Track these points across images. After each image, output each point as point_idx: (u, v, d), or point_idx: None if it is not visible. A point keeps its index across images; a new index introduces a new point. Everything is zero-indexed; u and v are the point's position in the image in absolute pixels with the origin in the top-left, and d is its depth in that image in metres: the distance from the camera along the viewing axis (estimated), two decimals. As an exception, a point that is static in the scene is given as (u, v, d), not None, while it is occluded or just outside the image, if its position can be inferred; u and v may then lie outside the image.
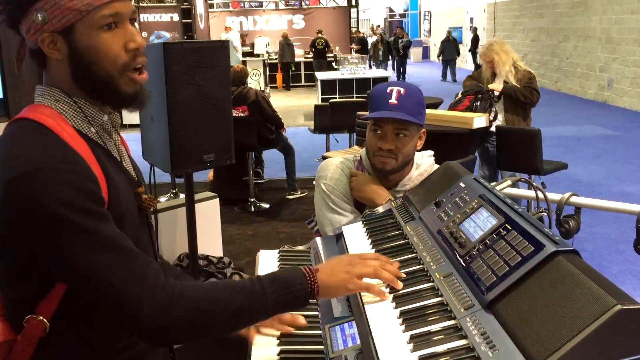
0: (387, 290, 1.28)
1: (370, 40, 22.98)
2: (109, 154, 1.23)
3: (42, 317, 1.13)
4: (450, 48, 19.35)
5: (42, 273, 1.11)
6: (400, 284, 1.27)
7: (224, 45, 3.08)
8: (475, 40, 21.29)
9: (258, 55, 16.62)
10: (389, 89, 1.86)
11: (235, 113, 5.63)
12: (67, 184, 1.07)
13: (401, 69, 19.82)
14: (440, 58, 20.02)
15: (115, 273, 1.08)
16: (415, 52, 27.12)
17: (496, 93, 4.74)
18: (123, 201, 1.18)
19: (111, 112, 1.26)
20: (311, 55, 17.64)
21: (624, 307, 0.87)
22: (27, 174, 1.06)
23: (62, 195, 1.06)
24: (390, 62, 21.58)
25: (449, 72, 19.48)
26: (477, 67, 18.76)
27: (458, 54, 19.67)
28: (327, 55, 17.27)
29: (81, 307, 1.14)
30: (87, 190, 1.09)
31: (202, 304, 1.14)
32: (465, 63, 23.41)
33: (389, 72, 15.06)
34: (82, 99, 1.20)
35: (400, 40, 19.80)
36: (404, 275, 1.30)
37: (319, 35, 17.45)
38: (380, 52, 20.42)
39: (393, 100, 1.84)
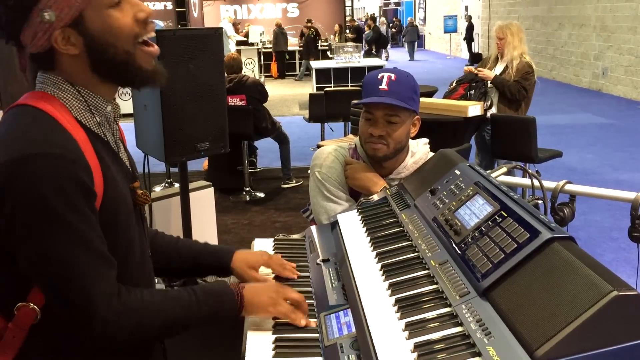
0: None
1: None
2: (107, 145, 1.21)
3: (33, 305, 1.13)
4: (412, 32, 23.13)
5: None
6: (303, 322, 1.30)
7: (217, 32, 3.05)
8: (470, 29, 21.28)
9: (252, 44, 16.52)
10: (379, 76, 1.86)
11: (232, 101, 5.60)
12: (59, 171, 1.06)
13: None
14: (404, 40, 24.02)
15: (81, 272, 1.09)
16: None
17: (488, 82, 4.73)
18: (119, 193, 1.18)
19: (113, 102, 1.25)
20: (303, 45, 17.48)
21: (620, 293, 0.87)
22: (25, 158, 1.05)
23: (51, 183, 1.05)
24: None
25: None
26: (472, 55, 18.77)
27: (418, 37, 24.00)
28: (318, 44, 17.08)
29: None
30: (79, 183, 1.08)
31: (146, 313, 1.17)
32: (458, 50, 23.37)
33: (384, 61, 14.96)
34: (87, 89, 1.18)
35: (365, 34, 18.08)
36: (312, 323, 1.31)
37: (309, 24, 17.33)
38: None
39: (383, 86, 1.84)
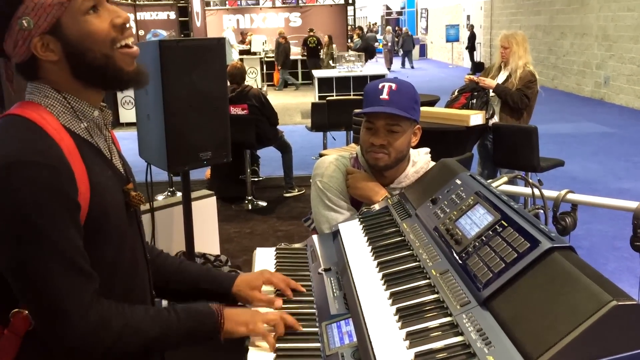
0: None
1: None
2: (97, 150, 1.22)
3: (27, 312, 1.13)
4: (408, 41, 23.69)
5: None
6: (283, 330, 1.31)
7: (220, 43, 3.07)
8: (472, 38, 21.35)
9: (255, 54, 16.57)
10: (380, 85, 1.87)
11: (234, 111, 5.63)
12: (41, 182, 1.07)
13: None
14: (401, 50, 24.32)
15: (55, 285, 1.09)
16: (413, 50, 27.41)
17: (490, 91, 4.74)
18: (108, 199, 1.19)
19: (102, 109, 1.26)
20: (305, 54, 17.53)
21: (619, 303, 0.87)
22: (5, 167, 1.06)
23: (31, 193, 1.06)
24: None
25: (407, 61, 24.28)
26: (474, 64, 18.85)
27: (413, 46, 24.60)
28: (320, 54, 17.10)
29: None
30: (59, 192, 1.08)
31: (125, 331, 1.16)
32: (460, 59, 23.43)
33: (386, 70, 15.02)
34: (73, 95, 1.19)
35: (354, 42, 17.79)
36: (301, 328, 1.33)
37: (311, 33, 17.39)
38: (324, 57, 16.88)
39: (384, 96, 1.85)
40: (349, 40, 19.07)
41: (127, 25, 1.20)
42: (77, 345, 1.11)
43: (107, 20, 1.17)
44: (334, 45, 17.22)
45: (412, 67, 23.49)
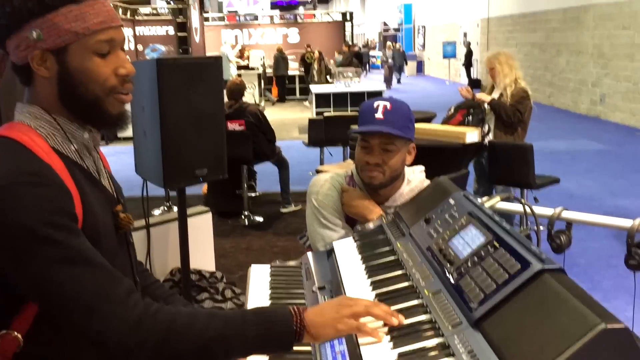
0: (385, 329, 1.18)
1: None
2: (86, 172, 1.22)
3: (16, 333, 1.11)
4: (399, 57, 23.96)
5: (12, 289, 1.09)
6: (395, 321, 1.18)
7: (217, 61, 3.09)
8: (469, 55, 21.49)
9: (253, 69, 16.68)
10: (375, 104, 1.89)
11: (231, 126, 5.65)
12: (38, 197, 1.06)
13: None
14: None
15: (83, 288, 1.06)
16: (409, 66, 27.64)
17: (486, 105, 4.78)
18: (99, 220, 1.18)
19: (92, 130, 1.27)
20: (303, 69, 17.65)
21: (608, 327, 0.88)
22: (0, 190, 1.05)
23: (31, 209, 1.05)
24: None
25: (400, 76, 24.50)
26: (471, 81, 18.96)
27: (406, 62, 25.65)
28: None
29: (56, 324, 1.12)
30: (58, 204, 1.08)
31: (174, 327, 1.09)
32: (457, 76, 23.57)
33: (384, 87, 15.13)
34: (63, 117, 1.20)
35: (335, 58, 17.67)
36: (402, 318, 1.20)
37: (309, 49, 17.50)
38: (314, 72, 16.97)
39: (379, 115, 1.86)
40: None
41: (130, 77, 1.21)
42: (120, 346, 1.06)
43: (111, 66, 1.18)
44: (332, 61, 17.34)
45: (399, 82, 23.59)
